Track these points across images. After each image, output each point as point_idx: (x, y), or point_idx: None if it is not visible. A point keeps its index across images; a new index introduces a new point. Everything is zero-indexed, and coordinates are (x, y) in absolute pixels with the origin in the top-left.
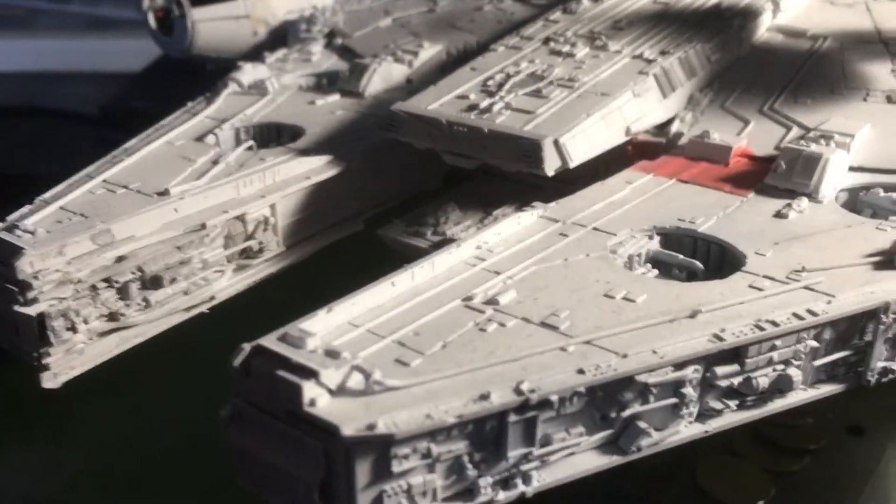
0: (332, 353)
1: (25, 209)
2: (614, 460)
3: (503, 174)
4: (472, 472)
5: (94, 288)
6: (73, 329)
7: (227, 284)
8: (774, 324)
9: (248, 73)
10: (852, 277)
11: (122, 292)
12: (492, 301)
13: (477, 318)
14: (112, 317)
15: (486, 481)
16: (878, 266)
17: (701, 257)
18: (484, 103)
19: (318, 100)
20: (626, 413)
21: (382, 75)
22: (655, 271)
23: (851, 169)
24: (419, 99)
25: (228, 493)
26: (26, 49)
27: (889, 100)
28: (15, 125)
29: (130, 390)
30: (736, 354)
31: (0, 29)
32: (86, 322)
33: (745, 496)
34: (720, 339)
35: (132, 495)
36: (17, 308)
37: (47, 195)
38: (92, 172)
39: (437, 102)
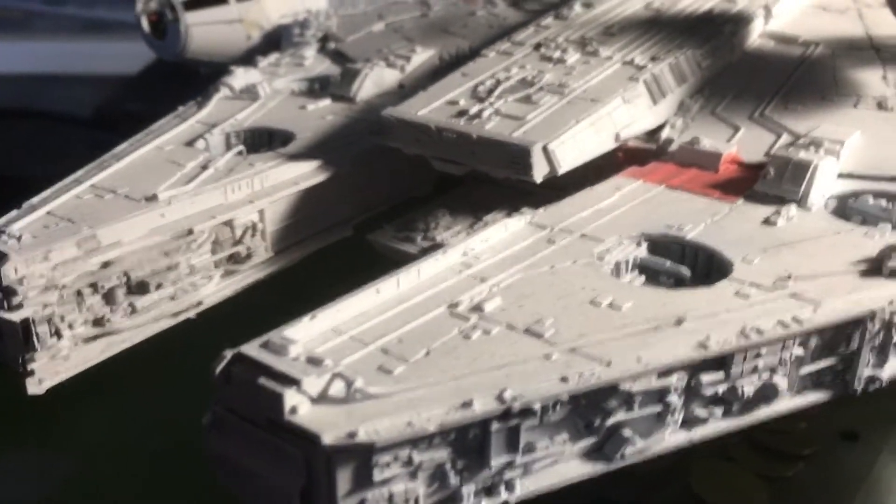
0: (314, 361)
1: (13, 213)
2: (599, 468)
3: (494, 180)
4: (454, 479)
5: (79, 293)
6: (57, 335)
7: (215, 290)
8: (760, 331)
9: (240, 77)
10: (839, 285)
11: (108, 298)
12: (477, 308)
13: (461, 325)
14: (98, 322)
15: (469, 489)
16: (866, 274)
17: (689, 264)
18: (473, 109)
19: (310, 105)
20: (611, 421)
21: (374, 80)
22: (643, 278)
23: (841, 176)
24: (409, 104)
25: (218, 497)
26: (22, 51)
27: (879, 106)
28: (10, 127)
29: (119, 395)
30: (721, 362)
31: None
32: (71, 328)
33: (740, 501)
34: (705, 346)
35: (123, 499)
36: (1, 313)
37: (35, 200)
38: (80, 177)
39: (427, 108)
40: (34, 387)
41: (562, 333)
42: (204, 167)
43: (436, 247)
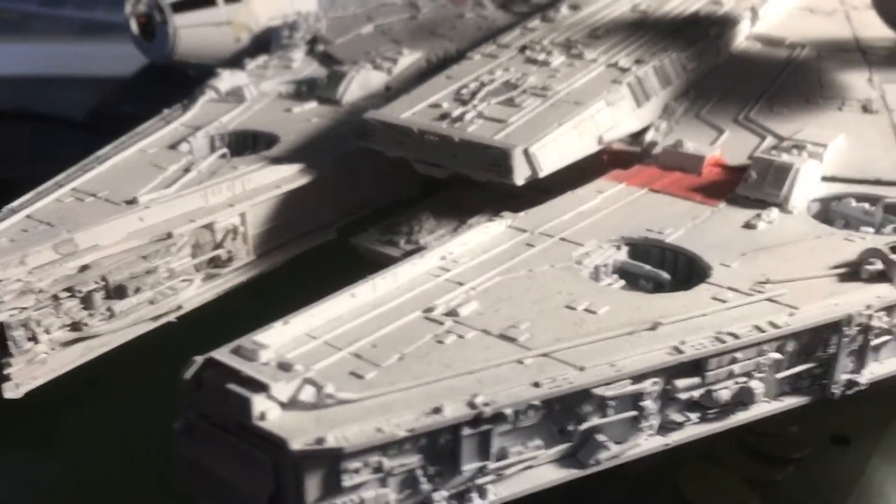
0: (284, 366)
1: None
2: (573, 473)
3: (479, 183)
4: (426, 486)
5: (56, 298)
6: (34, 339)
7: (195, 294)
8: (735, 336)
9: (226, 79)
10: (817, 289)
11: (86, 302)
12: (452, 313)
13: (436, 329)
14: (75, 326)
15: (440, 495)
16: (844, 278)
17: (668, 268)
18: (456, 112)
19: (296, 107)
20: (585, 426)
21: (360, 83)
22: (622, 282)
23: (825, 179)
24: (392, 107)
25: None
26: (19, 53)
27: (864, 109)
28: (6, 129)
29: (104, 397)
30: (696, 367)
31: None
32: (48, 332)
33: None
34: (679, 351)
35: (111, 501)
36: None
37: (15, 203)
38: (62, 180)
39: (410, 111)
40: (11, 391)
41: (536, 338)
42: (186, 170)
43: (419, 250)
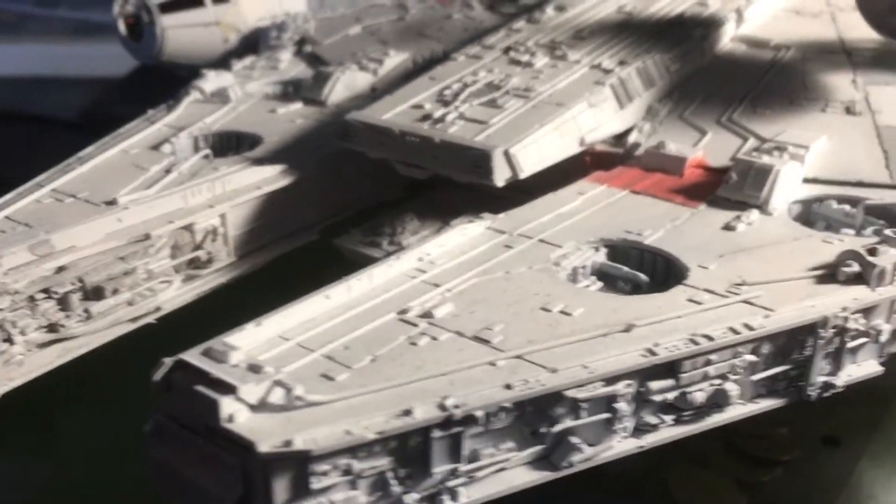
0: (254, 368)
1: None
2: (546, 476)
3: (462, 184)
4: (396, 488)
5: (32, 299)
6: (9, 340)
7: (175, 295)
8: (710, 338)
9: (212, 80)
10: (793, 291)
11: (63, 303)
12: (427, 314)
13: (410, 331)
14: (52, 328)
15: (411, 498)
16: (821, 280)
17: (647, 270)
18: (438, 113)
19: (280, 108)
20: (558, 428)
21: (346, 84)
22: (600, 284)
23: (806, 181)
24: (374, 108)
25: None
26: (14, 53)
27: (847, 111)
28: (2, 130)
29: (91, 399)
30: (670, 369)
31: None
32: (23, 333)
33: None
34: (653, 353)
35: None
36: None
37: None
38: (42, 181)
39: (392, 112)
40: None
41: (510, 340)
42: (168, 171)
43: (401, 251)
